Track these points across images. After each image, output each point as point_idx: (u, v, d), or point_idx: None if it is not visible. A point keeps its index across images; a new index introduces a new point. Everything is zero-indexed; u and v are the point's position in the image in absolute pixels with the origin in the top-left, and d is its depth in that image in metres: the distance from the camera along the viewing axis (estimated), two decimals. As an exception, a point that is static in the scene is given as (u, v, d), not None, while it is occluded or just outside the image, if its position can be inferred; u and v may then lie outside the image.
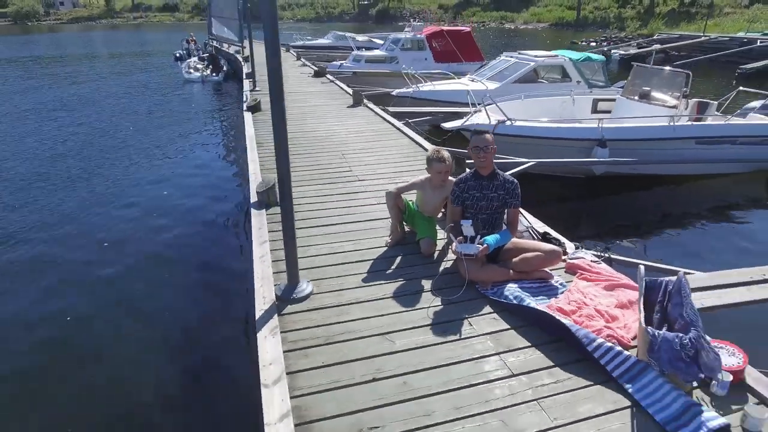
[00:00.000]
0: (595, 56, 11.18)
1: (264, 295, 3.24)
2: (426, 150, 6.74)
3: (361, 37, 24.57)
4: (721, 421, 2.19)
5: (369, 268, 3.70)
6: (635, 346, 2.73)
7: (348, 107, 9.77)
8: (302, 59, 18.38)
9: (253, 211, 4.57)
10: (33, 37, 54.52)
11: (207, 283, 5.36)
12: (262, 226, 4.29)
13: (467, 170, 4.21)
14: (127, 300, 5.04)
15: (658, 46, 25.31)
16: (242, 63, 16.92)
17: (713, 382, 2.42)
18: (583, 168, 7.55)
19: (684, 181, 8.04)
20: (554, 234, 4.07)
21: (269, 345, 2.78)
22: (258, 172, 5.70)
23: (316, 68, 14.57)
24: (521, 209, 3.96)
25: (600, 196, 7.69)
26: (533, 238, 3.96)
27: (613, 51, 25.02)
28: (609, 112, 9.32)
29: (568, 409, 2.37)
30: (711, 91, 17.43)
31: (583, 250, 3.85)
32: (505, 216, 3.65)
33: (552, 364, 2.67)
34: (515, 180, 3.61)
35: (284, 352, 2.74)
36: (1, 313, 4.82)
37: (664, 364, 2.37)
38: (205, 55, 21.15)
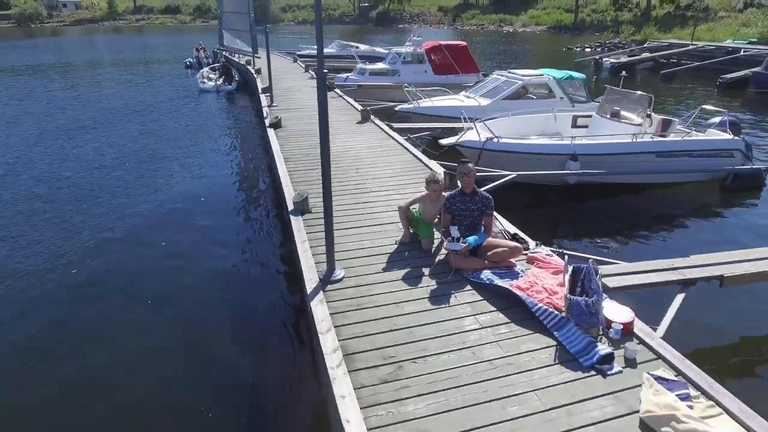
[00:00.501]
0: (576, 75, 12.50)
1: (311, 278, 4.58)
2: (424, 164, 8.07)
3: (363, 47, 25.81)
4: (608, 350, 3.53)
5: (385, 260, 5.08)
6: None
7: (357, 123, 11.10)
8: (310, 71, 19.65)
9: (293, 218, 5.91)
10: (38, 41, 55.61)
11: (258, 273, 6.68)
12: (300, 229, 5.63)
13: (458, 184, 5.53)
14: (209, 286, 6.35)
15: (647, 55, 26.63)
16: (254, 75, 18.15)
17: (611, 329, 3.74)
18: (559, 178, 8.87)
19: (648, 188, 9.37)
20: (522, 235, 5.42)
21: (319, 309, 4.13)
22: (290, 185, 7.03)
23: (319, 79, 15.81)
24: (497, 215, 5.36)
25: (573, 202, 9.03)
26: (505, 238, 5.30)
27: (604, 59, 26.32)
28: (587, 126, 10.65)
29: (516, 347, 3.75)
30: (693, 98, 18.76)
31: (542, 246, 5.18)
32: (483, 222, 4.99)
33: (509, 320, 4.05)
34: (490, 196, 4.97)
35: (330, 314, 4.08)
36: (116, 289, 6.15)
37: (576, 318, 3.71)
38: (217, 65, 22.45)
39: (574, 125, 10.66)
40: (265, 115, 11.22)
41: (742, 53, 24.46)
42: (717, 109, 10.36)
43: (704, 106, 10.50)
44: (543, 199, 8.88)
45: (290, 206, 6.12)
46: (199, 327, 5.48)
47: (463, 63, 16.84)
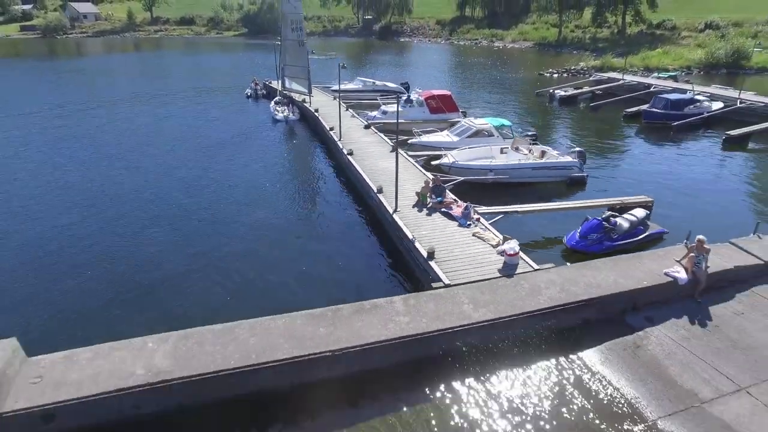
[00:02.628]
0: (506, 123, 22.12)
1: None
2: (423, 173, 17.95)
3: (378, 82, 35.55)
4: (468, 223, 13.37)
5: (415, 210, 14.95)
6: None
7: (389, 151, 20.83)
8: (350, 110, 28.15)
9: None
10: (82, 63, 65.37)
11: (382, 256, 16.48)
12: (383, 204, 15.50)
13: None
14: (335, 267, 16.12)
15: (587, 88, 36.61)
16: (314, 112, 27.37)
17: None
18: (483, 180, 18.67)
19: (528, 185, 18.91)
20: (460, 201, 15.30)
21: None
22: (371, 180, 16.88)
23: (366, 122, 25.20)
24: (449, 192, 15.35)
25: (489, 191, 18.81)
26: (455, 201, 15.19)
27: (556, 91, 36.08)
28: (507, 153, 20.53)
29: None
30: (606, 125, 28.58)
31: (471, 204, 15.03)
32: (443, 194, 14.94)
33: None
34: (444, 186, 14.91)
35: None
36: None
37: (463, 219, 13.57)
38: (281, 99, 31.78)
39: (501, 153, 20.52)
40: (341, 147, 20.93)
41: (652, 88, 34.45)
42: (573, 146, 20.22)
43: (573, 145, 20.39)
44: (476, 188, 18.69)
45: (375, 190, 15.90)
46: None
47: (448, 106, 26.54)
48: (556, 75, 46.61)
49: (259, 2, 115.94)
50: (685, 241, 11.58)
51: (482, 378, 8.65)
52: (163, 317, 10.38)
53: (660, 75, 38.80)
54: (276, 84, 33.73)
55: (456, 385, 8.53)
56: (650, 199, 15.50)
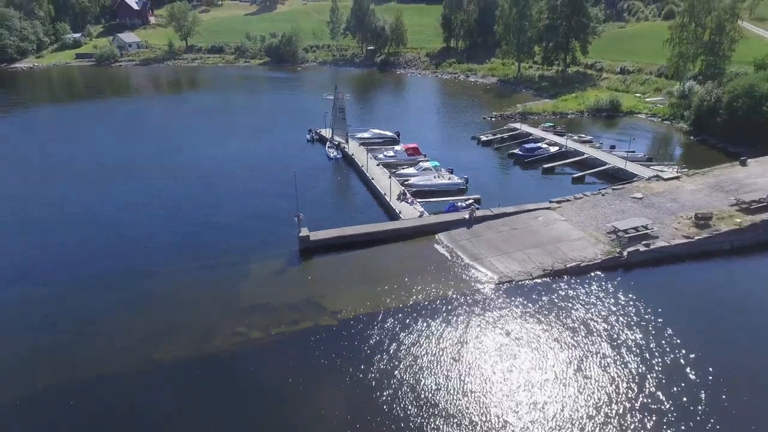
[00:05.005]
0: (437, 164, 51.12)
1: (395, 210, 44.45)
2: (401, 186, 48.02)
3: (382, 131, 65.74)
4: (457, 208, 43.35)
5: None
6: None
7: (388, 177, 50.73)
8: (368, 152, 58.43)
9: (390, 201, 45.76)
10: (148, 106, 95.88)
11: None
12: (391, 206, 45.60)
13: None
14: None
15: (500, 135, 66.94)
16: (351, 154, 57.60)
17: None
18: (424, 189, 48.44)
19: (437, 194, 49.01)
20: (411, 196, 45.35)
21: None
22: (390, 192, 46.90)
23: (377, 161, 55.15)
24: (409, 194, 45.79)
25: (427, 194, 48.92)
26: (411, 197, 45.21)
27: (481, 136, 65.73)
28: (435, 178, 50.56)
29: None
30: (496, 161, 58.86)
31: (411, 197, 44.93)
32: None
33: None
34: (407, 191, 45.10)
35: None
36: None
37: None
38: (334, 144, 61.21)
39: (433, 177, 50.26)
40: (366, 173, 50.93)
41: (530, 137, 64.42)
42: (465, 175, 50.15)
43: (464, 175, 50.41)
44: (420, 193, 48.56)
45: (383, 192, 45.51)
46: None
47: (416, 152, 55.86)
48: (492, 119, 76.77)
49: (279, 36, 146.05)
50: (471, 207, 41.45)
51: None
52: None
53: (545, 125, 68.70)
54: (325, 132, 63.96)
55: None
56: (479, 196, 45.34)
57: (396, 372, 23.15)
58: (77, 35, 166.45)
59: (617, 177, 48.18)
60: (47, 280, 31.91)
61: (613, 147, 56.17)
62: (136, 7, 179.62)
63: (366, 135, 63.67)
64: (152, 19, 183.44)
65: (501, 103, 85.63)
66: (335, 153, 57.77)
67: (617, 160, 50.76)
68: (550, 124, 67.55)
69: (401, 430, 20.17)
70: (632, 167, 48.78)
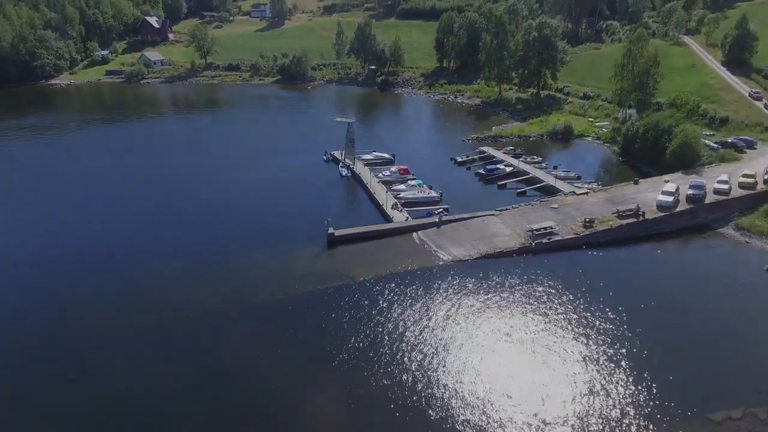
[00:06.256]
0: (421, 181, 71.45)
1: (387, 213, 65.74)
2: (395, 199, 69.33)
3: (381, 154, 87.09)
4: (433, 213, 64.51)
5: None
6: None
7: (386, 192, 71.74)
8: (371, 171, 79.27)
9: (387, 208, 66.94)
10: (174, 126, 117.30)
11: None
12: (387, 212, 66.89)
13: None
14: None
15: (473, 156, 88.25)
16: (357, 172, 78.63)
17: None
18: (408, 200, 69.42)
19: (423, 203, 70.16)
20: (400, 206, 66.60)
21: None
22: (390, 199, 68.10)
23: (378, 179, 75.89)
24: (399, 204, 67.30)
25: (414, 204, 70.13)
26: (400, 206, 66.40)
27: (457, 158, 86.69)
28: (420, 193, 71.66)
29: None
30: (466, 178, 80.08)
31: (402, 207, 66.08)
32: None
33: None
34: (399, 203, 66.47)
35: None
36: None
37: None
38: (345, 164, 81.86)
39: (418, 192, 71.15)
40: (369, 187, 71.93)
41: (494, 159, 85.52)
42: (440, 191, 71.21)
43: (440, 191, 71.67)
44: (407, 204, 69.64)
45: (381, 202, 66.53)
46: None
47: (406, 172, 76.71)
48: (470, 141, 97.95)
49: (291, 56, 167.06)
50: (440, 214, 62.43)
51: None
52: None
53: (506, 149, 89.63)
54: (338, 153, 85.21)
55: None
56: (448, 207, 66.37)
57: (392, 306, 44.18)
58: (105, 52, 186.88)
59: (550, 191, 68.87)
60: (178, 257, 53.08)
61: (556, 167, 77.18)
62: (156, 25, 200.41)
63: (369, 156, 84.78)
64: (171, 36, 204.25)
65: (480, 126, 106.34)
66: (346, 171, 78.72)
67: (551, 179, 71.67)
68: (512, 147, 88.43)
69: (389, 334, 41.21)
70: (560, 184, 69.42)
